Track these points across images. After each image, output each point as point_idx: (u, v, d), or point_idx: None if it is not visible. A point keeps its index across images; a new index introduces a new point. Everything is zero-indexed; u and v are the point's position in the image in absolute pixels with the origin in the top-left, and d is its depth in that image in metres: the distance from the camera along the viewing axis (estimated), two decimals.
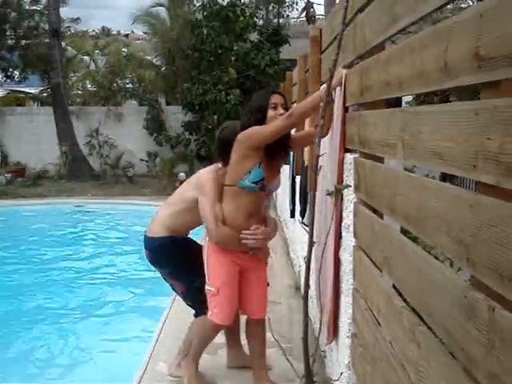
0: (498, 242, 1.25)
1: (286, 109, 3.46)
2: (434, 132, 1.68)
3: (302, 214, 5.44)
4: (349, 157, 3.09)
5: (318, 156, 2.31)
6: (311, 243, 2.45)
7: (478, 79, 1.41)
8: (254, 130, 3.37)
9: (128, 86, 21.18)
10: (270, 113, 3.41)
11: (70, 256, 9.25)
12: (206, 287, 3.64)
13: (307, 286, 2.59)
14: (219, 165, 3.74)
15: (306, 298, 2.61)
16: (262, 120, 3.41)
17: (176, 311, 5.30)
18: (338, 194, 2.80)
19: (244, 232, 3.52)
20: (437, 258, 1.83)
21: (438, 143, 1.64)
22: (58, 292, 7.32)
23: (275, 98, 3.47)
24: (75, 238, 10.73)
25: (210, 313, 3.63)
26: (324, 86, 3.81)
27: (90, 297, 7.10)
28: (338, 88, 3.27)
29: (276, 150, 3.48)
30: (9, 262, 8.89)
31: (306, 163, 5.32)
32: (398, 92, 2.16)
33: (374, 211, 2.56)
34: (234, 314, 3.74)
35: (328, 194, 2.61)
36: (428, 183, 1.78)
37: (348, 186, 2.78)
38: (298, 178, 6.50)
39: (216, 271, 3.62)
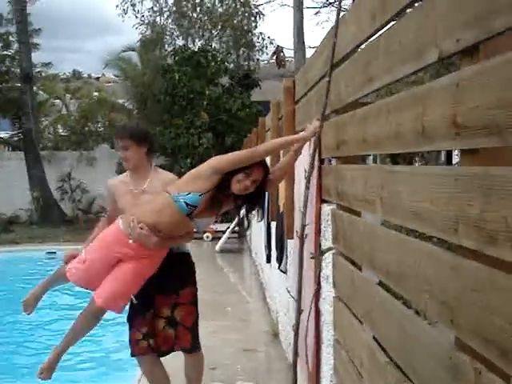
0: (482, 307, 1.29)
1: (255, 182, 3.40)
2: (413, 193, 1.73)
3: (279, 261, 5.44)
4: (326, 208, 3.13)
5: (305, 226, 2.34)
6: (299, 310, 2.46)
7: (455, 146, 1.46)
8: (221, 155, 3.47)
9: (100, 129, 21.17)
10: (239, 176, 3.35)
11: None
12: (82, 249, 3.68)
13: (296, 354, 2.59)
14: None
15: (295, 366, 2.59)
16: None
17: None
18: (322, 256, 2.82)
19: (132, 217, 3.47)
20: (417, 313, 1.86)
21: (418, 204, 1.68)
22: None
23: (256, 171, 3.39)
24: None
25: (69, 266, 3.64)
26: (299, 134, 3.88)
27: None
28: (312, 139, 3.33)
29: (226, 194, 3.42)
30: None
31: (282, 209, 5.35)
32: (374, 149, 2.22)
33: (353, 263, 2.59)
34: (83, 282, 3.65)
35: (312, 258, 2.63)
36: (408, 242, 1.81)
37: (331, 249, 2.80)
38: (273, 224, 6.52)
39: (97, 246, 3.63)
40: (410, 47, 1.78)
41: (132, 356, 3.83)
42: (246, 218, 3.79)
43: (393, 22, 2.08)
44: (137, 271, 3.54)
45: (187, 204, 3.34)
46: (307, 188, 2.69)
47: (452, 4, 1.49)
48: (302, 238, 2.48)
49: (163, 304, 3.77)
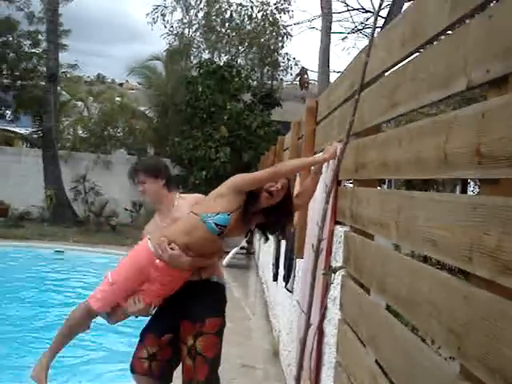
0: (490, 336, 1.29)
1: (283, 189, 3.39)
2: (430, 219, 1.73)
3: (286, 279, 5.44)
4: (339, 229, 3.13)
5: (321, 240, 2.35)
6: (308, 324, 2.46)
7: (477, 175, 1.47)
8: (243, 174, 3.48)
9: (119, 134, 21.31)
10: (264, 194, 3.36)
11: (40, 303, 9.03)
12: (108, 273, 3.57)
13: (300, 367, 2.58)
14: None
15: (298, 379, 2.58)
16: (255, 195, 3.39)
17: None
18: (334, 274, 2.82)
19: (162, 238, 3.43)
20: (423, 340, 1.86)
21: (433, 230, 1.68)
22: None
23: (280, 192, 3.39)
24: (51, 284, 10.55)
25: (91, 294, 3.53)
26: (318, 155, 3.91)
27: None
28: (331, 161, 3.34)
29: (254, 211, 3.42)
30: None
31: (293, 228, 5.35)
32: (394, 174, 2.23)
33: (362, 286, 2.59)
34: (109, 307, 3.55)
35: (324, 274, 2.64)
36: (422, 268, 1.81)
37: (343, 267, 2.80)
38: (283, 242, 6.52)
39: (126, 268, 3.58)
40: (439, 75, 1.80)
41: (131, 371, 3.65)
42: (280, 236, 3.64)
43: (421, 50, 2.11)
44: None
45: (216, 225, 3.34)
46: (327, 202, 2.70)
47: (483, 35, 1.51)
48: (317, 252, 2.48)
49: (188, 332, 3.57)
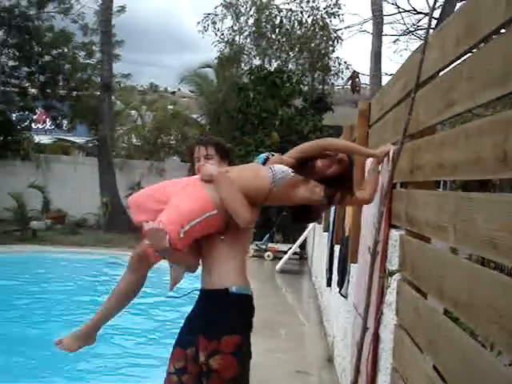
0: None
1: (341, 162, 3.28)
2: (489, 221, 1.68)
3: (340, 285, 5.39)
4: (394, 233, 3.08)
5: (377, 242, 2.32)
6: (365, 328, 2.43)
7: None
8: None
9: (172, 142, 21.61)
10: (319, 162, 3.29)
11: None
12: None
13: (357, 371, 2.55)
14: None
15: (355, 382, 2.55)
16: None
17: None
18: (391, 277, 2.77)
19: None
20: (483, 345, 1.81)
21: (493, 232, 1.64)
22: None
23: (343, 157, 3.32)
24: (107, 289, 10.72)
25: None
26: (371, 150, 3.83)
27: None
28: (385, 162, 3.29)
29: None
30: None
31: (347, 233, 5.30)
32: (450, 175, 2.18)
33: (418, 290, 2.54)
34: None
35: (381, 277, 2.60)
36: (481, 271, 1.77)
37: (400, 271, 2.75)
38: (336, 247, 6.47)
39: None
40: (495, 73, 1.75)
41: None
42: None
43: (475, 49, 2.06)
44: None
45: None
46: (383, 205, 2.66)
47: None
48: (374, 254, 2.45)
49: (201, 348, 3.08)
